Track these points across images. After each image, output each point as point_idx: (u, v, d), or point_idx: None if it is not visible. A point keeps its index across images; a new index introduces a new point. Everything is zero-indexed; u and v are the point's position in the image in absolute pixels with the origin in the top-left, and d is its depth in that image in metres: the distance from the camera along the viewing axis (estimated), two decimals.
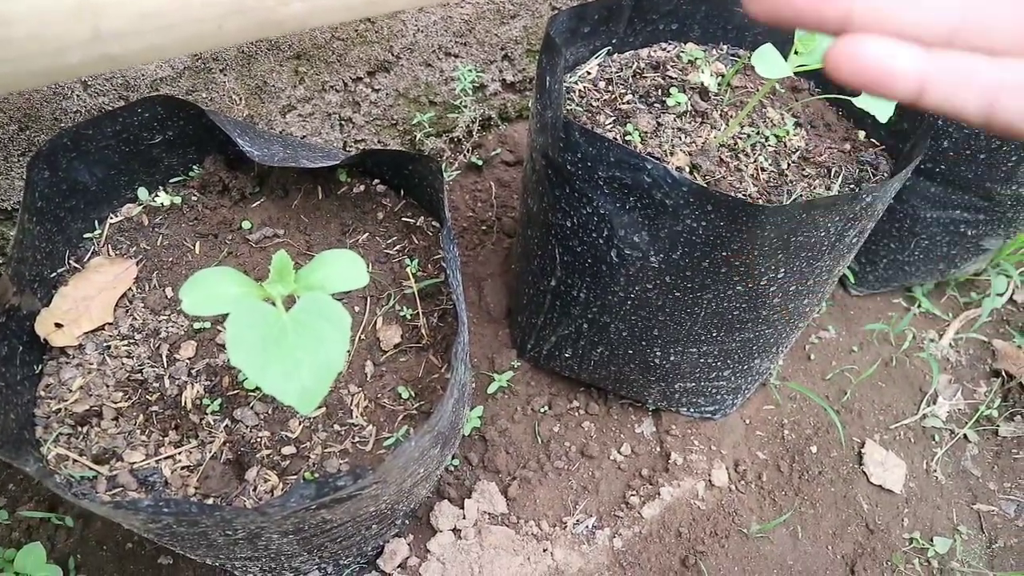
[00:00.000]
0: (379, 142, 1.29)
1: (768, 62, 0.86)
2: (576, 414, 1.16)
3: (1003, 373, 1.35)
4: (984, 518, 1.17)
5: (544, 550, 1.01)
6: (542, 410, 1.15)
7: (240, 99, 1.06)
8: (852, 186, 1.05)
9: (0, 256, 1.12)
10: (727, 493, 1.11)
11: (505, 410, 1.14)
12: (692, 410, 1.17)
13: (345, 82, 1.16)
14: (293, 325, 0.59)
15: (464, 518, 1.01)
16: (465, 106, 1.29)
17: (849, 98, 1.13)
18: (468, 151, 1.38)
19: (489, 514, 1.03)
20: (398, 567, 0.97)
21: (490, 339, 1.21)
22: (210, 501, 0.71)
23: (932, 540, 1.13)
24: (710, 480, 1.12)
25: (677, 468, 1.12)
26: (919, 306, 1.41)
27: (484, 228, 1.34)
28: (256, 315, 0.59)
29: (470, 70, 1.26)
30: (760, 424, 1.21)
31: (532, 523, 1.04)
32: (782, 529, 1.10)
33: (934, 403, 1.29)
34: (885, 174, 1.07)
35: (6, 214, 1.06)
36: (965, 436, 1.26)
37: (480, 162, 1.38)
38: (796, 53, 0.90)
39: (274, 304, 0.62)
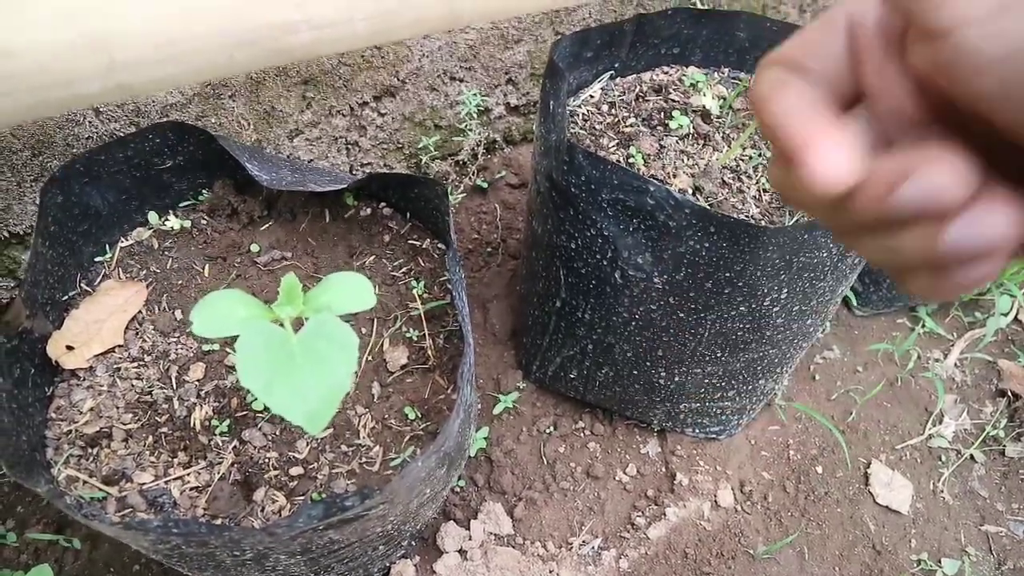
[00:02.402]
0: (385, 165, 1.31)
1: None
2: (582, 435, 1.16)
3: (1009, 393, 1.35)
4: (992, 539, 1.16)
5: (550, 571, 1.01)
6: (548, 431, 1.15)
7: (249, 124, 1.08)
8: None
9: (12, 279, 1.13)
10: (733, 514, 1.11)
11: (511, 431, 1.14)
12: (697, 431, 1.18)
13: (352, 107, 1.18)
14: (301, 347, 0.60)
15: (470, 539, 1.01)
16: (470, 129, 1.30)
17: None
18: (473, 174, 1.40)
19: (495, 535, 1.03)
20: None
21: (496, 360, 1.21)
22: (218, 522, 0.71)
23: (940, 562, 1.12)
24: (716, 501, 1.12)
25: (683, 489, 1.12)
26: (923, 326, 1.41)
27: (489, 250, 1.35)
28: (265, 337, 0.60)
29: (475, 94, 1.27)
30: (765, 445, 1.21)
31: (538, 544, 1.04)
32: (788, 550, 1.09)
33: (940, 423, 1.29)
34: None
35: (19, 238, 1.08)
36: (972, 456, 1.26)
37: (485, 184, 1.40)
38: None
39: (283, 326, 0.63)
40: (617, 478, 1.13)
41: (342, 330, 0.60)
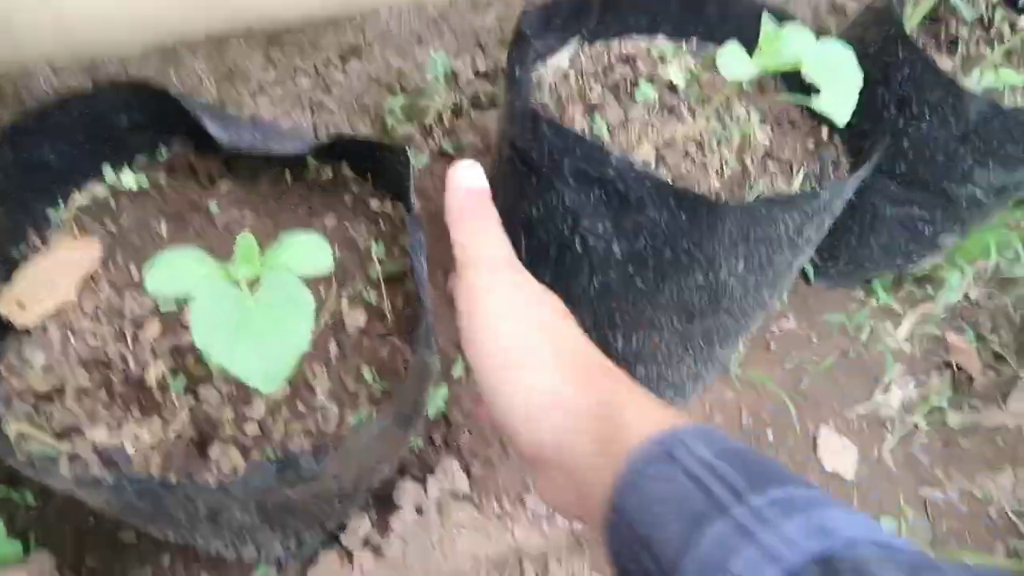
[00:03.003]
0: (350, 126, 1.30)
1: (731, 61, 0.88)
2: None
3: (954, 365, 1.40)
4: (929, 502, 1.22)
5: (505, 528, 1.04)
6: None
7: (210, 81, 1.06)
8: (813, 183, 1.08)
9: None
10: None
11: (469, 392, 1.16)
12: (653, 395, 1.20)
13: (316, 66, 1.16)
14: (258, 307, 0.60)
15: (426, 495, 1.03)
16: (437, 93, 1.29)
17: (808, 101, 1.16)
18: (439, 138, 1.39)
19: (451, 492, 1.05)
20: (361, 543, 0.99)
21: (455, 323, 1.22)
22: (173, 479, 0.72)
23: (879, 521, 1.17)
24: None
25: None
26: (877, 299, 1.45)
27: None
28: (220, 296, 0.60)
29: (443, 58, 1.26)
30: (719, 409, 1.24)
31: (494, 502, 1.06)
32: None
33: (887, 392, 1.34)
34: (845, 172, 1.10)
35: None
36: (916, 425, 1.31)
37: (452, 149, 1.39)
38: (761, 53, 0.92)
39: (239, 286, 0.63)
40: None
41: (299, 290, 0.60)
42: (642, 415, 0.44)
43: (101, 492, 0.64)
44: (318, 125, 1.26)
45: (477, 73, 1.37)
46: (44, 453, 0.72)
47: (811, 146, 1.14)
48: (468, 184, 0.60)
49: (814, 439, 1.24)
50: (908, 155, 1.22)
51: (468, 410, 1.13)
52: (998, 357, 1.40)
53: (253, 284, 0.65)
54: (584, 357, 0.49)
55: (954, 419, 1.32)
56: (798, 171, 1.08)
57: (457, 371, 1.16)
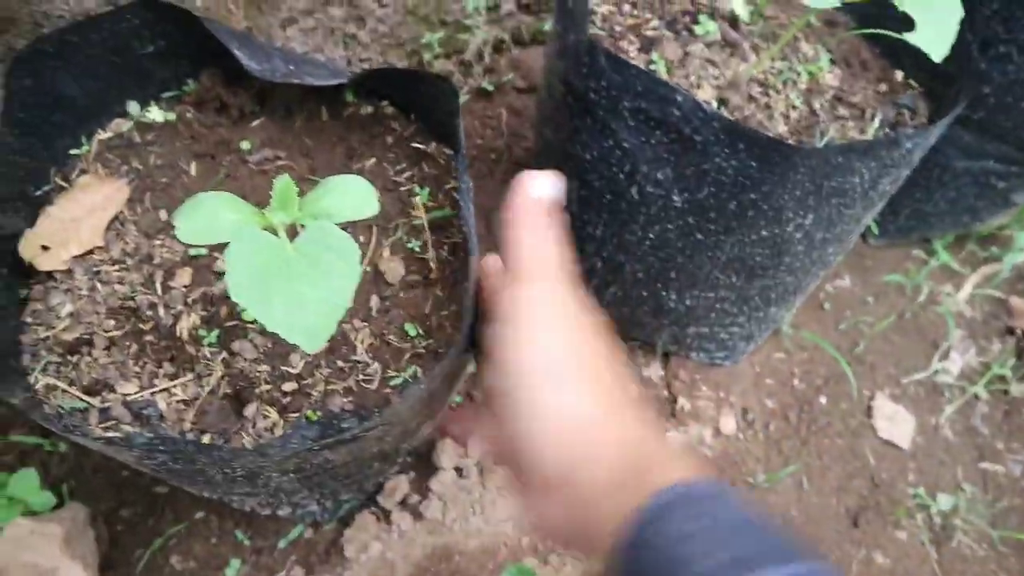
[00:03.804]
0: (384, 62, 1.22)
1: None
2: None
3: (1018, 331, 1.32)
4: (989, 477, 1.16)
5: None
6: None
7: (238, 8, 0.98)
8: (887, 130, 0.99)
9: None
10: (734, 441, 1.09)
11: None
12: (702, 355, 1.14)
13: None
14: (298, 257, 0.54)
15: (467, 456, 0.99)
16: (477, 27, 1.21)
17: (893, 33, 1.06)
18: (479, 75, 1.31)
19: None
20: (398, 504, 0.96)
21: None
22: (207, 437, 0.68)
23: (936, 497, 1.12)
24: (717, 427, 1.10)
25: (684, 414, 1.10)
26: (938, 259, 1.37)
27: (493, 158, 1.28)
28: (258, 246, 0.54)
29: None
30: (770, 372, 1.18)
31: None
32: (788, 480, 1.08)
33: (946, 359, 1.27)
34: (923, 119, 1.01)
35: None
36: (976, 395, 1.24)
37: (491, 87, 1.31)
38: None
39: (276, 233, 0.57)
40: None
41: (343, 240, 0.55)
42: (668, 457, 0.46)
43: (133, 452, 0.60)
44: (351, 60, 1.18)
45: (520, 5, 1.28)
46: (73, 407, 0.68)
47: (884, 89, 1.05)
48: (539, 193, 0.57)
49: (869, 406, 1.18)
50: (988, 102, 1.12)
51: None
52: None
53: (291, 231, 0.59)
54: (620, 387, 0.50)
55: (1017, 388, 1.25)
56: (872, 116, 0.99)
57: None
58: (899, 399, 1.20)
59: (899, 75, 1.06)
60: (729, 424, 1.10)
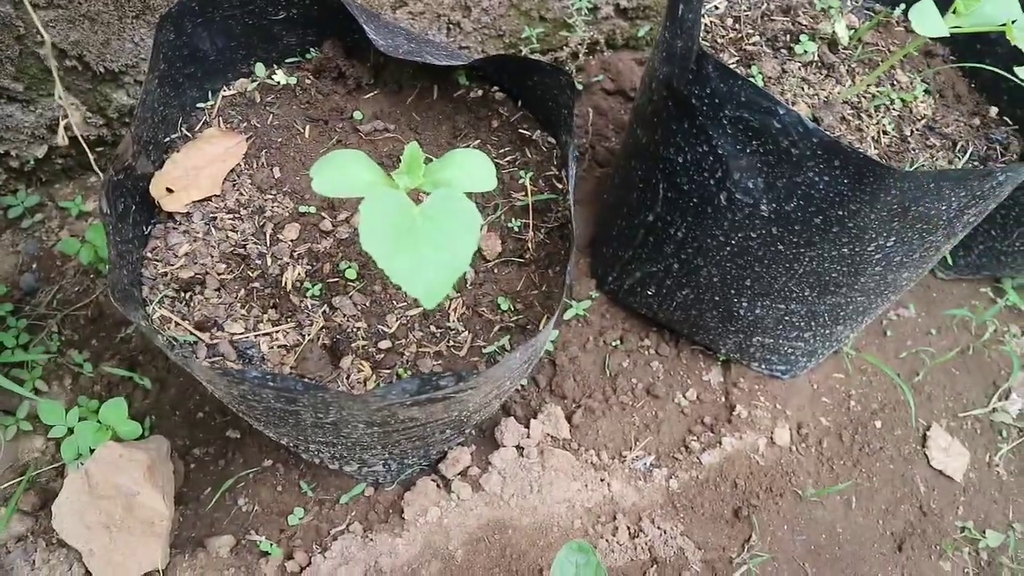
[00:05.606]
0: (483, 51, 1.26)
1: (926, 18, 0.81)
2: (646, 352, 1.15)
3: None
4: None
5: (602, 480, 1.02)
6: (613, 343, 1.14)
7: None
8: (977, 163, 0.99)
9: (102, 116, 1.12)
10: (787, 453, 1.11)
11: (577, 338, 1.14)
12: (763, 366, 1.16)
13: None
14: (423, 219, 0.58)
15: (528, 437, 1.02)
16: (576, 26, 1.24)
17: (992, 68, 1.06)
18: (571, 74, 1.34)
19: (552, 437, 1.04)
20: (459, 474, 0.99)
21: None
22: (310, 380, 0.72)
23: (985, 532, 1.12)
24: (772, 438, 1.11)
25: (740, 421, 1.11)
26: (1007, 299, 1.36)
27: (576, 154, 1.31)
28: (389, 204, 0.58)
29: None
30: (827, 391, 1.19)
31: (592, 452, 1.05)
32: (836, 497, 1.09)
33: (1006, 398, 1.26)
34: (1015, 155, 1.01)
35: (113, 76, 1.06)
36: None
37: (580, 87, 1.34)
38: (955, 13, 0.84)
39: (403, 195, 0.61)
40: (676, 400, 1.12)
41: (466, 207, 0.58)
42: None
43: (242, 385, 0.64)
44: (453, 46, 1.22)
45: (618, 9, 1.31)
46: (184, 340, 0.73)
47: (977, 124, 1.05)
48: None
49: (924, 435, 1.18)
50: None
51: (574, 356, 1.11)
52: None
53: (413, 196, 0.63)
54: None
55: None
56: (963, 149, 1.00)
57: (569, 314, 1.14)
58: (955, 432, 1.20)
59: (994, 111, 1.07)
60: (784, 436, 1.12)
